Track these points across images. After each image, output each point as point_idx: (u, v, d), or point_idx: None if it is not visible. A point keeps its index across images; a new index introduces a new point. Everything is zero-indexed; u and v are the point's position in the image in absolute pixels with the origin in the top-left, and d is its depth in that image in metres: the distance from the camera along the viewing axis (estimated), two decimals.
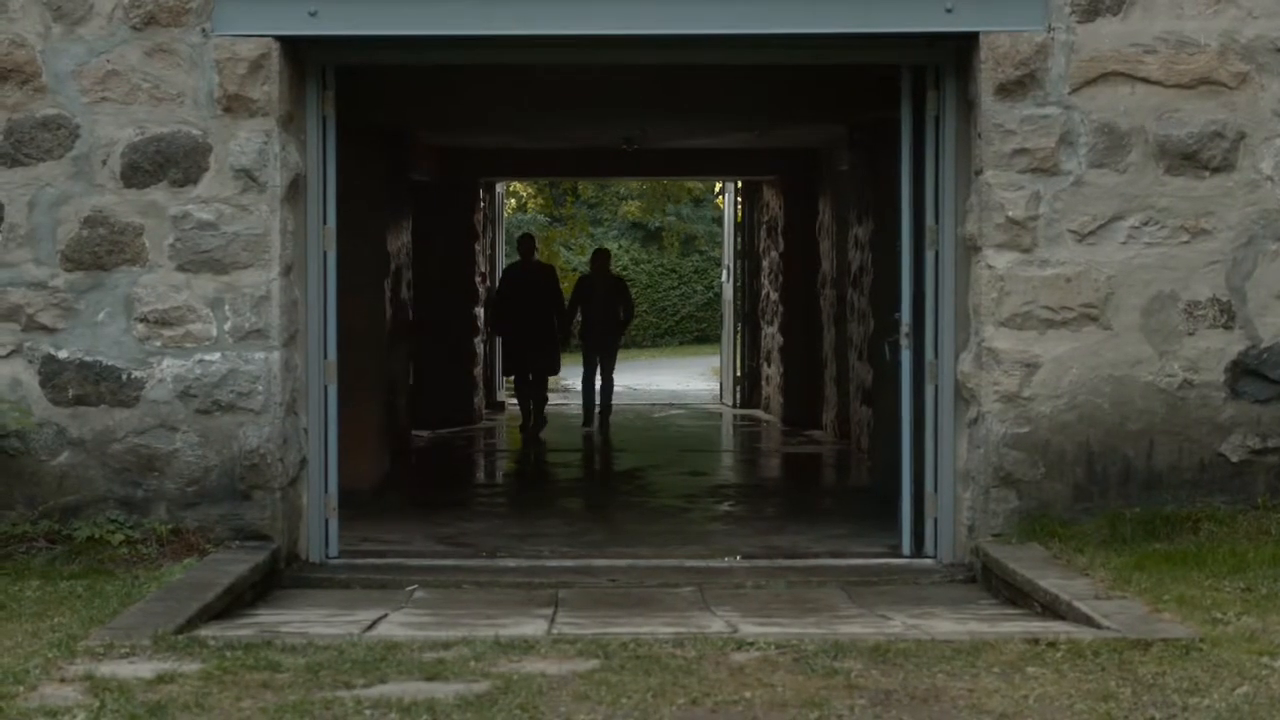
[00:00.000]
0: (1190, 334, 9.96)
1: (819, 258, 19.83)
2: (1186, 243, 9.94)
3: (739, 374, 23.80)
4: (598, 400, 20.55)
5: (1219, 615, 7.88)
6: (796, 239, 20.65)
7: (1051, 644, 7.36)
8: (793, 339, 20.72)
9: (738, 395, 23.69)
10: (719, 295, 30.26)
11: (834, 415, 18.81)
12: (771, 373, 22.13)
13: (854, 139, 16.20)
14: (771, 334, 21.99)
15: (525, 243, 20.39)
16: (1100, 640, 7.43)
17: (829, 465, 16.95)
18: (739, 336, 23.80)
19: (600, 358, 20.56)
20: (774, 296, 21.82)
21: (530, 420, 19.82)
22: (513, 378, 20.92)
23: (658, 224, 34.06)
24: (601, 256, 21.16)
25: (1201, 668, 6.95)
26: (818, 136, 18.49)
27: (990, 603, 9.26)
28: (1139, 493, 9.96)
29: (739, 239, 23.94)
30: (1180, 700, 6.49)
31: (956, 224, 10.20)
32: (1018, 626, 8.10)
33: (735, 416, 22.62)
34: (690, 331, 41.08)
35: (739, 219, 24.06)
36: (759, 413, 22.58)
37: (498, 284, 21.03)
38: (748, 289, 23.49)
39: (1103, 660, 7.11)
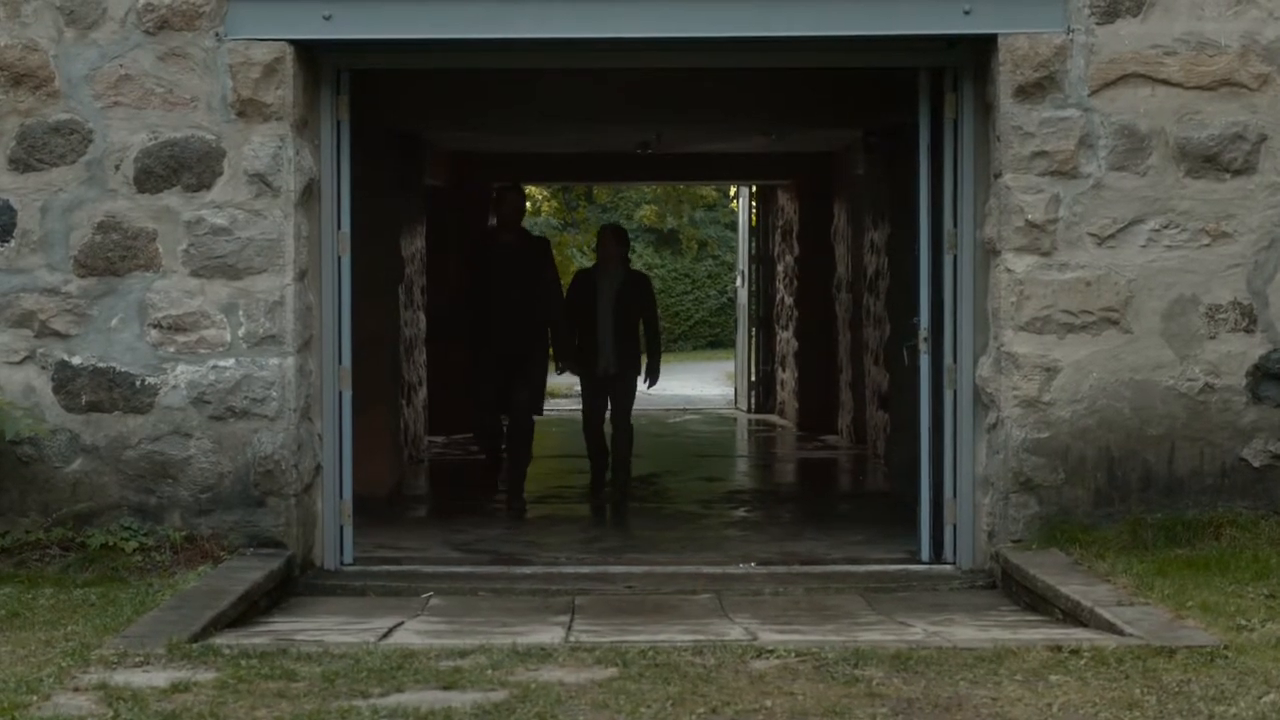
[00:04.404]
0: (1211, 338, 9.88)
1: (834, 262, 19.76)
2: (1207, 246, 9.85)
3: (753, 379, 23.72)
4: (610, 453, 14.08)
5: (1243, 622, 7.80)
6: (811, 243, 20.57)
7: (1075, 651, 7.29)
8: (808, 343, 20.64)
9: (752, 400, 23.61)
10: (732, 300, 30.18)
11: (849, 420, 18.75)
12: (786, 377, 22.06)
13: (869, 143, 16.14)
14: (786, 338, 21.92)
15: (505, 201, 13.73)
16: (1124, 647, 7.35)
17: (845, 470, 16.87)
18: (754, 341, 23.72)
19: (611, 393, 13.91)
20: (789, 301, 21.75)
21: (501, 484, 13.80)
22: (481, 411, 13.98)
23: (674, 226, 33.93)
24: (612, 238, 14.26)
25: (1227, 675, 6.87)
26: (833, 140, 18.44)
27: (1011, 609, 9.18)
28: (1160, 498, 9.87)
29: (753, 243, 23.88)
30: (1206, 709, 6.41)
31: (975, 227, 10.13)
32: (1040, 633, 8.02)
33: (750, 421, 22.54)
34: (704, 336, 41.03)
35: (753, 223, 23.99)
36: (774, 418, 22.50)
37: (468, 271, 13.85)
38: (762, 293, 23.43)
39: (1127, 668, 7.03)
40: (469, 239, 15.32)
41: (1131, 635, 7.63)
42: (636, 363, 14.03)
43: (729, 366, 28.80)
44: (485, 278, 13.25)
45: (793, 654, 7.31)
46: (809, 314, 20.65)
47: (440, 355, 18.19)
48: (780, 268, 22.49)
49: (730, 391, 26.08)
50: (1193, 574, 8.85)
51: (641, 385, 14.13)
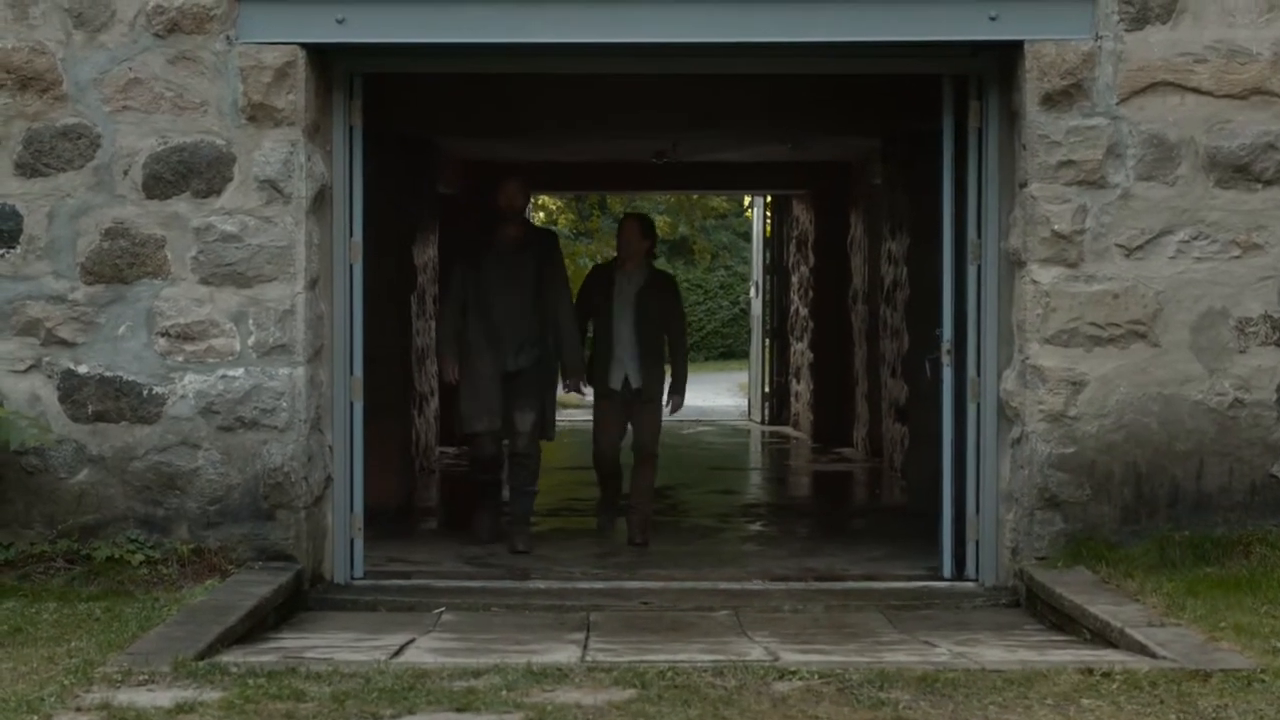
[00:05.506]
0: (1241, 351, 9.67)
1: (850, 273, 19.58)
2: (1237, 257, 9.65)
3: (767, 390, 23.53)
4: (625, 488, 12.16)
5: (1278, 645, 7.58)
6: (827, 254, 20.38)
7: (1106, 674, 7.09)
8: (823, 355, 20.45)
9: (766, 412, 23.42)
10: (745, 310, 30.01)
11: (865, 433, 18.54)
12: (801, 389, 21.87)
13: (888, 152, 15.96)
14: (801, 350, 21.73)
15: (504, 188, 11.69)
16: (1157, 670, 7.15)
17: (861, 484, 16.66)
18: (768, 352, 23.53)
19: (630, 415, 11.96)
20: (804, 312, 21.56)
21: (490, 526, 11.88)
22: (476, 444, 11.99)
23: (685, 234, 33.78)
24: (636, 228, 12.05)
25: (1265, 700, 6.68)
26: (850, 150, 18.25)
27: (1036, 628, 8.97)
28: (1188, 515, 9.66)
29: (768, 254, 23.69)
30: None
31: (1000, 238, 9.93)
32: (1069, 655, 7.81)
33: (764, 433, 22.35)
34: (716, 347, 40.89)
35: (768, 234, 23.81)
36: (788, 429, 22.30)
37: (457, 269, 11.86)
38: (777, 304, 23.24)
39: (1161, 692, 6.83)
40: (462, 233, 13.01)
41: (1164, 658, 7.42)
42: (662, 378, 11.90)
43: (742, 377, 28.63)
44: (479, 278, 11.52)
45: (816, 675, 7.11)
46: (824, 325, 20.45)
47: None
48: (795, 278, 22.30)
49: (744, 403, 25.89)
50: (1224, 594, 8.64)
51: (664, 409, 12.05)
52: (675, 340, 12.07)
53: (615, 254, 12.35)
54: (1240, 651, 7.47)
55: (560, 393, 12.08)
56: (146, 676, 7.06)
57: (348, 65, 10.02)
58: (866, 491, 16.15)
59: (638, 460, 12.01)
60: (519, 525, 11.71)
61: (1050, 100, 9.59)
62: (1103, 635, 8.19)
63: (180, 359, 9.63)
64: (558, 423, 12.30)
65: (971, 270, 10.08)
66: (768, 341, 23.53)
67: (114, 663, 7.29)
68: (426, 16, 9.66)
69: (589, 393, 12.19)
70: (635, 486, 12.00)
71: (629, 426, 12.06)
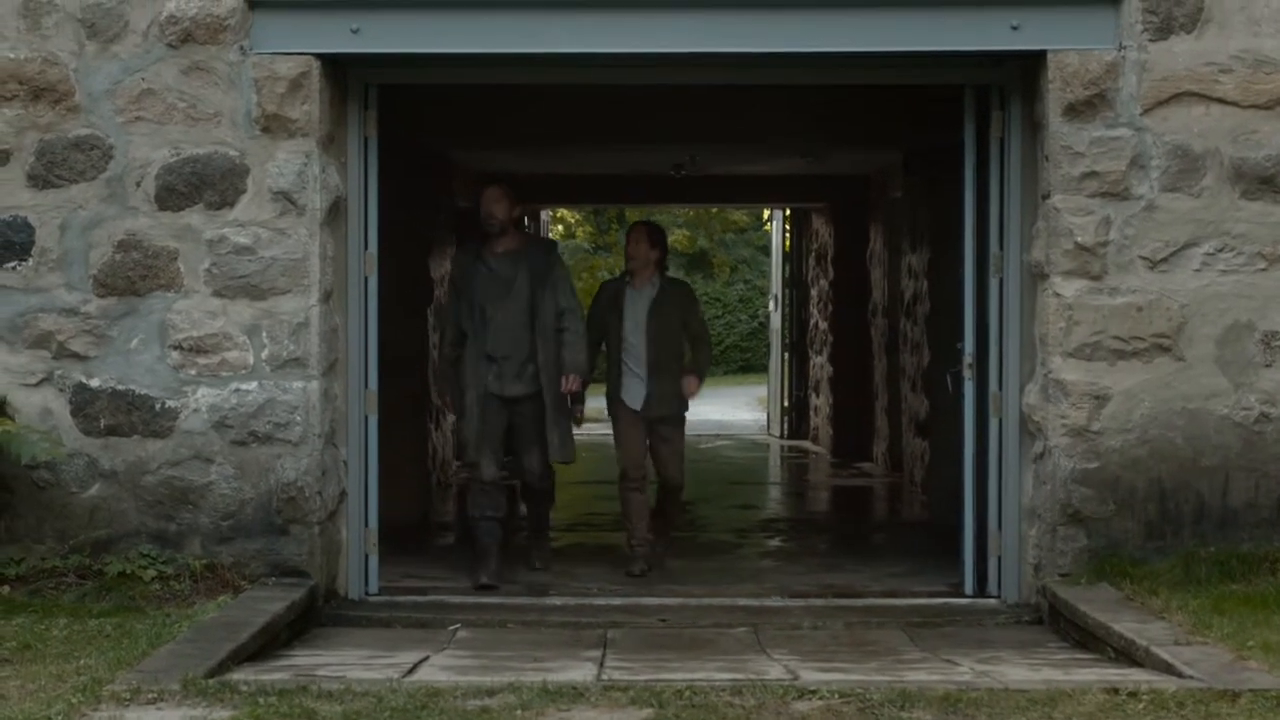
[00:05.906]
0: (1267, 365, 9.54)
1: (870, 286, 19.46)
2: (1264, 270, 9.53)
3: (786, 404, 23.41)
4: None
5: None
6: (846, 267, 20.27)
7: (1133, 694, 6.96)
8: (842, 369, 20.33)
9: (785, 426, 23.29)
10: (764, 324, 29.88)
11: (885, 447, 18.41)
12: (820, 403, 21.75)
13: (909, 164, 15.86)
14: (820, 364, 21.61)
15: (481, 199, 11.08)
16: (1184, 690, 7.02)
17: (881, 499, 16.53)
18: (787, 366, 23.41)
19: (652, 440, 11.32)
20: (823, 326, 21.45)
21: (493, 565, 10.68)
22: (475, 469, 11.05)
23: (704, 248, 33.72)
24: (644, 237, 11.36)
25: None
26: (870, 163, 18.14)
27: (1059, 646, 8.85)
28: (1213, 531, 9.53)
29: (787, 267, 23.58)
30: None
31: (1022, 250, 9.81)
32: (1094, 674, 7.67)
33: (783, 448, 22.22)
34: (734, 361, 40.77)
35: (787, 247, 23.70)
36: (807, 444, 22.18)
37: (448, 284, 11.76)
38: (796, 318, 23.12)
39: (1188, 712, 6.70)
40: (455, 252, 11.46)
41: (1191, 677, 7.29)
42: (682, 399, 11.33)
43: (761, 391, 28.49)
44: (473, 298, 10.78)
45: (836, 695, 6.99)
46: (843, 339, 20.34)
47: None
48: (814, 292, 22.20)
49: (762, 417, 25.78)
50: (1250, 611, 8.50)
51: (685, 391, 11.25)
52: (698, 345, 11.28)
53: (625, 267, 11.59)
54: (1269, 671, 7.33)
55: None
56: (155, 695, 6.96)
57: (362, 75, 9.93)
58: (887, 506, 16.02)
59: (663, 492, 11.48)
60: (536, 542, 11.52)
61: (1073, 110, 9.47)
62: (1128, 654, 8.06)
63: (193, 372, 9.54)
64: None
65: (993, 283, 9.97)
66: (787, 355, 23.41)
67: (123, 680, 7.18)
68: (442, 26, 9.57)
69: (587, 410, 11.45)
70: (661, 512, 11.52)
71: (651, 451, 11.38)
